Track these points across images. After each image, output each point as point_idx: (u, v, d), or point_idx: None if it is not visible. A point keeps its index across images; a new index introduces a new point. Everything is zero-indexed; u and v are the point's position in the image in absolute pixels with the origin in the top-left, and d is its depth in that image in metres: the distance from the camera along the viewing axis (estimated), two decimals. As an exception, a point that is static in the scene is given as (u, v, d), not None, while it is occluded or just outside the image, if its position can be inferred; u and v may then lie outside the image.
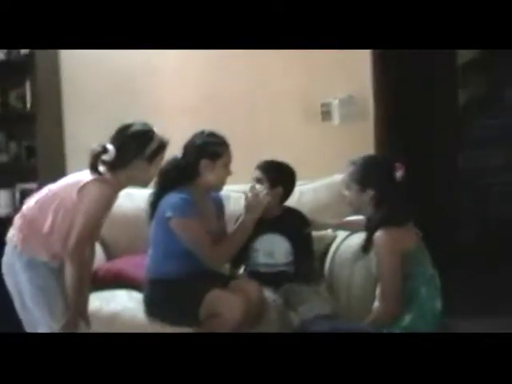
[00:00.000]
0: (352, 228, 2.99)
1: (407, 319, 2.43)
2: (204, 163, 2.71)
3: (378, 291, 2.52)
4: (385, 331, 2.40)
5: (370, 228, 2.51)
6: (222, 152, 2.74)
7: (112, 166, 2.42)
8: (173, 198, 2.66)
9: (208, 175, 2.73)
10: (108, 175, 2.41)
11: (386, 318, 2.44)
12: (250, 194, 2.76)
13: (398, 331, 2.41)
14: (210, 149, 2.73)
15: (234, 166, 2.82)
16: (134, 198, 3.21)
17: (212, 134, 2.78)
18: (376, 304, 2.51)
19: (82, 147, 2.51)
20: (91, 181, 2.39)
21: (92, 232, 2.41)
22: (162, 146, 2.51)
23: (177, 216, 2.61)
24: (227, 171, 2.76)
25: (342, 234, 3.11)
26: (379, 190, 2.48)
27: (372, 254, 2.53)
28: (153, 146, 2.46)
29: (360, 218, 2.77)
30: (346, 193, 2.57)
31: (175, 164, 2.76)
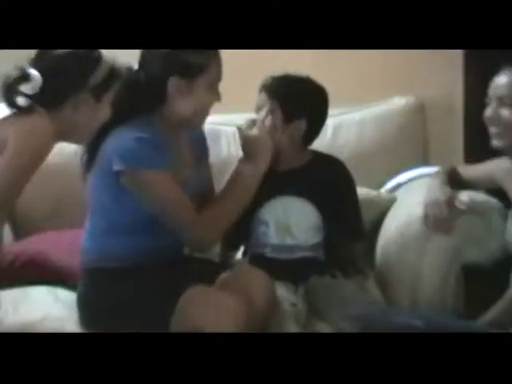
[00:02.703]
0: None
1: None
2: (174, 83, 2.18)
3: None
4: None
5: None
6: (206, 64, 2.20)
7: (39, 102, 2.06)
8: (124, 139, 2.16)
9: (180, 102, 2.21)
10: (38, 113, 2.08)
11: None
12: (248, 129, 2.34)
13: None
14: (184, 59, 2.20)
15: (230, 88, 2.24)
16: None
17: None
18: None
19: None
20: (12, 120, 2.06)
21: (9, 196, 2.04)
22: (115, 74, 2.13)
23: (132, 167, 2.13)
24: (213, 95, 2.23)
25: (402, 197, 2.60)
26: None
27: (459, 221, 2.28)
28: (100, 72, 2.09)
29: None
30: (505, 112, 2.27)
31: (129, 80, 2.20)
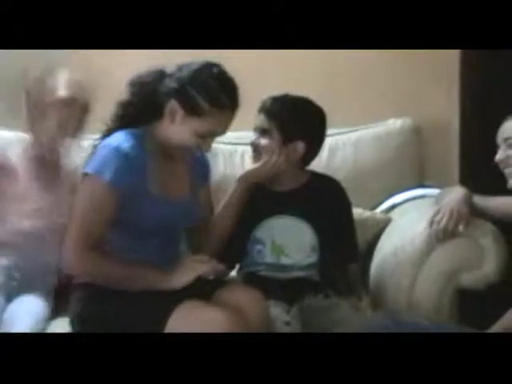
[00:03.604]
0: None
1: None
2: (172, 106, 2.13)
3: None
4: None
5: None
6: (206, 112, 2.12)
7: None
8: (106, 146, 2.12)
9: (169, 127, 2.16)
10: None
11: None
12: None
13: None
14: (192, 93, 2.11)
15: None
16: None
17: (221, 77, 2.14)
18: None
19: None
20: None
21: None
22: None
23: (93, 172, 2.10)
24: (202, 143, 2.16)
25: (397, 218, 2.60)
26: None
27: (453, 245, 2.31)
28: None
29: None
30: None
31: (144, 87, 2.16)
